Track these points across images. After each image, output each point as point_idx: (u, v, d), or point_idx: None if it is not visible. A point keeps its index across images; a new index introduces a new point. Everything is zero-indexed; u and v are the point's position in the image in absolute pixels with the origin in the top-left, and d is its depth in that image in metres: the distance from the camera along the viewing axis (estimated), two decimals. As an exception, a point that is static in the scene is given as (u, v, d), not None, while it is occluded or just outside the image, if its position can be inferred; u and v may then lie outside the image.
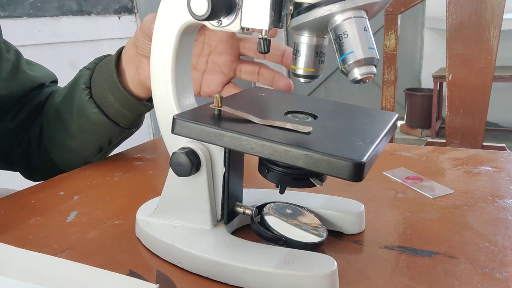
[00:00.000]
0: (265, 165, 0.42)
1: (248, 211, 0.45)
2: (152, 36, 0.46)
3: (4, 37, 0.71)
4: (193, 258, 0.41)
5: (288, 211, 0.46)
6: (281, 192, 0.43)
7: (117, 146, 0.75)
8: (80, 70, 0.70)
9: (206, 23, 0.41)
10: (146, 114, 0.71)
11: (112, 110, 0.66)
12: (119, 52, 0.67)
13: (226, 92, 0.63)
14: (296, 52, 0.40)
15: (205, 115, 0.42)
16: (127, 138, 0.74)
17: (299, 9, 0.38)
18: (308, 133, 0.39)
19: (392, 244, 0.46)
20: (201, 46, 0.63)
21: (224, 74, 0.62)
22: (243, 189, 0.48)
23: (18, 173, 0.80)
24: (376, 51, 0.36)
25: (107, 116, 0.66)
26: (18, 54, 0.73)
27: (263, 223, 0.44)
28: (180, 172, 0.42)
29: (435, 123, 3.45)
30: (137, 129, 0.74)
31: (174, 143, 0.44)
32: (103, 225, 0.52)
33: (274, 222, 0.44)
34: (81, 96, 0.66)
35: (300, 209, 0.47)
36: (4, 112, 0.72)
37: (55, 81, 0.80)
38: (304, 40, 0.40)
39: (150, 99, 0.69)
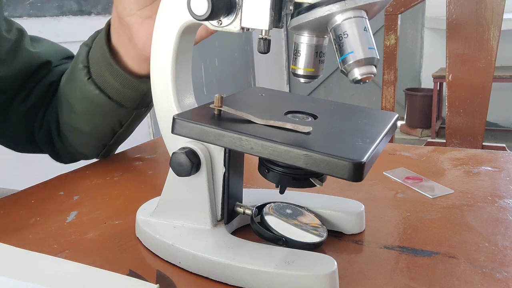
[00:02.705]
0: (265, 165, 0.42)
1: (248, 211, 0.45)
2: None
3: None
4: (193, 258, 0.41)
5: (288, 211, 0.46)
6: (281, 192, 0.43)
7: (132, 127, 0.69)
8: (80, 47, 0.63)
9: (206, 23, 0.41)
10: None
11: (113, 90, 0.60)
12: (108, 25, 0.59)
13: None
14: (296, 52, 0.40)
15: (205, 115, 0.42)
16: (139, 119, 0.68)
17: (299, 9, 0.38)
18: (308, 133, 0.39)
19: (392, 244, 0.46)
20: None
21: None
22: (243, 189, 0.48)
23: (18, 173, 0.79)
24: (376, 51, 0.36)
25: (110, 98, 0.60)
26: (21, 32, 0.68)
27: (263, 223, 0.44)
28: (180, 172, 0.42)
29: (435, 123, 3.45)
30: (149, 110, 0.68)
31: (174, 143, 0.44)
32: (103, 225, 0.52)
33: (274, 222, 0.44)
34: (80, 77, 0.61)
35: (300, 209, 0.47)
36: (13, 95, 0.68)
37: (70, 57, 0.74)
38: (304, 40, 0.40)
39: None
